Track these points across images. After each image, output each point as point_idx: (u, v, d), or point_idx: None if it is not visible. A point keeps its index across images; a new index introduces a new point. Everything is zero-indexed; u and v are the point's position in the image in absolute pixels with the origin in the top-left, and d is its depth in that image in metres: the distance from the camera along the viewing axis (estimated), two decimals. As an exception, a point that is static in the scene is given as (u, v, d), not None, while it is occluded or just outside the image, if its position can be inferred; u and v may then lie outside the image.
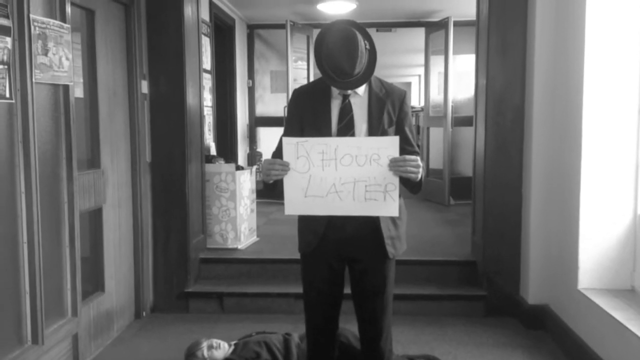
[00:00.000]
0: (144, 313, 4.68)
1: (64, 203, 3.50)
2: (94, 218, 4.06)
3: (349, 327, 3.77)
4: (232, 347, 3.65)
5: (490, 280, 4.72)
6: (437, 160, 8.38)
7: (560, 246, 4.17)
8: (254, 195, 5.86)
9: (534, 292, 4.44)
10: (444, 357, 3.76)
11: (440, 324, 4.49)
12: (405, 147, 2.52)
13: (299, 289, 4.94)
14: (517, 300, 4.61)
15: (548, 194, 4.33)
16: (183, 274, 4.80)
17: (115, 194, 4.24)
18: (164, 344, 4.14)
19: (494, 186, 4.68)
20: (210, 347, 3.62)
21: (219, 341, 3.67)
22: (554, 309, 4.27)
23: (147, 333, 4.39)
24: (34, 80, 3.08)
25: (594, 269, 3.80)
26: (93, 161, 3.99)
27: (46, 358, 3.29)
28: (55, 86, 3.36)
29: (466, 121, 7.63)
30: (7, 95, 2.93)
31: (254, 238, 5.79)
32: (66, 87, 3.43)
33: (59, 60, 3.32)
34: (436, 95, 8.34)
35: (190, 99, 4.76)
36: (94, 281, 4.10)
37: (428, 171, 8.77)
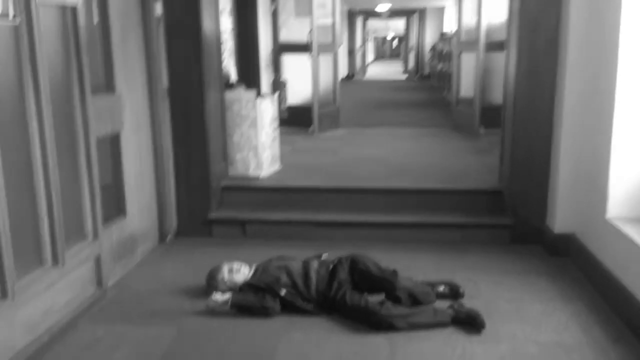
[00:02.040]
0: (168, 237, 4.73)
1: (79, 127, 3.48)
2: (113, 144, 4.05)
3: (368, 254, 3.75)
4: (253, 271, 3.67)
5: (516, 209, 4.62)
6: (467, 88, 8.13)
7: (590, 175, 4.02)
8: (276, 123, 5.77)
9: (560, 221, 4.33)
10: (464, 283, 3.72)
11: (463, 252, 4.44)
12: None
13: (320, 217, 4.97)
14: (542, 229, 4.51)
15: (580, 121, 4.14)
16: (205, 201, 4.81)
17: (132, 119, 4.20)
18: (187, 266, 4.19)
19: (524, 114, 4.50)
20: (230, 271, 3.64)
21: (240, 264, 3.68)
22: (579, 238, 4.16)
23: (171, 256, 4.45)
24: (37, 0, 2.99)
25: (624, 198, 3.67)
26: (108, 86, 3.93)
27: (68, 279, 3.36)
28: (63, 8, 3.27)
29: (499, 47, 7.32)
30: (11, 17, 2.85)
31: (277, 166, 5.75)
32: (74, 9, 3.34)
33: (67, -22, 3.21)
34: (469, 19, 8.00)
35: (207, 22, 4.62)
36: (115, 206, 4.13)
37: (458, 99, 8.54)
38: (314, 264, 3.62)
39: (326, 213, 4.83)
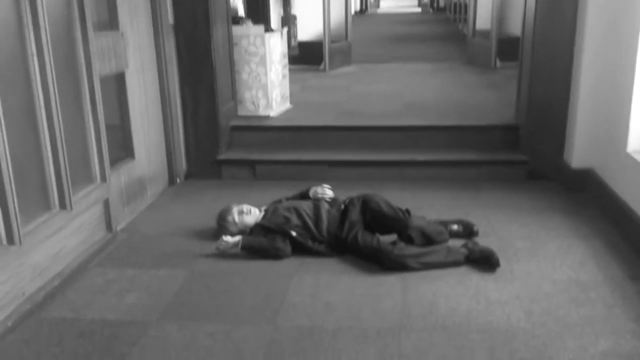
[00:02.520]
0: (178, 180, 4.68)
1: (82, 66, 3.37)
2: (117, 83, 3.94)
3: (381, 193, 3.67)
4: (263, 213, 3.62)
5: (532, 145, 4.49)
6: (484, 19, 7.84)
7: (611, 109, 3.86)
8: (286, 60, 5.62)
9: (578, 155, 4.20)
10: (479, 221, 3.65)
11: (478, 189, 4.35)
12: None
13: (332, 156, 4.88)
14: (560, 164, 4.39)
15: (602, 52, 3.95)
16: (214, 141, 4.73)
17: (137, 57, 4.07)
18: (198, 208, 4.16)
19: (543, 45, 4.32)
20: (240, 213, 3.58)
21: (249, 207, 3.63)
22: (598, 173, 4.05)
23: (181, 198, 4.41)
24: None
25: (646, 131, 3.54)
26: (111, 22, 3.79)
27: (76, 222, 3.32)
28: (60, -61, 3.11)
29: (517, -25, 7.01)
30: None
31: (287, 105, 5.63)
32: (72, -60, 3.18)
33: None
34: (485, -52, 7.65)
35: (212, -47, 4.42)
36: (122, 148, 4.06)
37: (474, 32, 8.26)
38: (325, 205, 3.56)
39: (338, 152, 4.73)
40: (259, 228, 3.50)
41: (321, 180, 4.55)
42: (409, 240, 3.34)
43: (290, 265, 3.27)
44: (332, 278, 3.11)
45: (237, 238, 3.37)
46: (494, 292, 2.91)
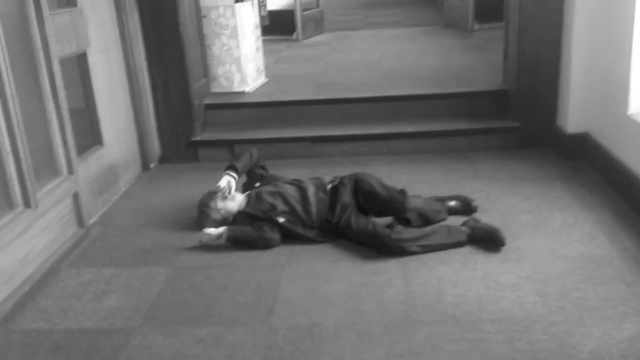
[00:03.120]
0: (152, 165, 4.39)
1: (38, 49, 3.04)
2: (79, 64, 3.61)
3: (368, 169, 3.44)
4: (246, 199, 3.34)
5: (523, 110, 4.28)
6: (460, -21, 7.56)
7: (608, 69, 3.66)
8: (259, 32, 5.30)
9: (573, 120, 4.01)
10: (476, 195, 3.45)
11: (471, 161, 4.14)
12: None
13: (314, 132, 4.62)
14: (553, 130, 4.20)
15: (597, 6, 3.73)
16: (188, 122, 4.42)
17: (99, 35, 3.73)
18: (175, 195, 3.88)
19: (531, 3, 4.07)
20: (223, 198, 3.31)
21: (233, 192, 3.35)
22: (595, 137, 3.86)
23: (157, 184, 4.12)
24: None
25: (646, 92, 3.35)
26: (67, -1, 3.45)
27: (44, 221, 3.03)
28: None
29: None
30: None
31: (263, 79, 5.33)
32: None
33: None
34: None
35: None
36: (90, 135, 3.75)
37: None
38: (310, 187, 3.30)
39: (321, 127, 4.47)
40: (243, 216, 3.24)
41: (304, 157, 4.34)
42: (406, 222, 3.13)
43: (281, 254, 3.04)
44: (327, 267, 2.88)
45: (221, 229, 3.11)
46: (502, 275, 2.71)
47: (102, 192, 3.72)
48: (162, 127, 4.44)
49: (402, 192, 3.21)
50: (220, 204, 3.29)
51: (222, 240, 3.09)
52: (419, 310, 2.48)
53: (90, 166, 3.59)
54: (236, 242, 3.10)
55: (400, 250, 2.93)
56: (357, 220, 3.08)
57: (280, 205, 3.18)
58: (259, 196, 3.28)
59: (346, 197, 3.19)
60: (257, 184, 3.47)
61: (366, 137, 4.36)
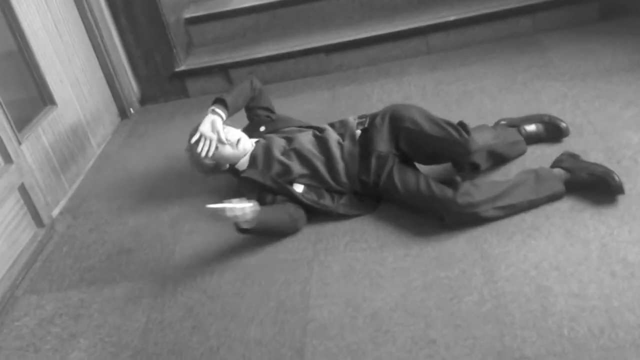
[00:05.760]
0: (131, 110, 3.49)
1: None
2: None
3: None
4: (252, 152, 2.41)
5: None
6: None
7: None
8: None
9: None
10: (557, 105, 2.52)
11: (540, 47, 3.13)
12: None
13: (328, 38, 3.57)
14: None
15: None
16: (165, 47, 3.44)
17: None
18: (163, 148, 3.05)
19: None
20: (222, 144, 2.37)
21: (234, 133, 2.39)
22: None
23: (139, 137, 3.25)
24: None
25: None
26: None
27: (-18, 234, 2.23)
28: None
29: None
30: None
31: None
32: None
33: None
34: None
35: None
36: (32, 95, 2.84)
37: None
38: (332, 134, 2.37)
39: (336, 30, 3.45)
40: (247, 184, 2.35)
41: (320, 74, 3.37)
42: (473, 168, 2.22)
43: (303, 241, 2.19)
44: (370, 258, 2.03)
45: (251, 208, 2.05)
46: (634, 247, 1.83)
47: (67, 166, 2.88)
48: (134, 60, 3.49)
49: (462, 126, 2.23)
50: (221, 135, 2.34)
51: (249, 224, 2.07)
52: (518, 333, 1.64)
53: (41, 138, 2.72)
54: (263, 231, 2.16)
55: (473, 218, 2.05)
56: (402, 178, 2.17)
57: (297, 168, 2.29)
58: (268, 152, 2.37)
59: (382, 143, 2.26)
60: (262, 128, 2.55)
61: (397, 35, 3.32)
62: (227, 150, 2.36)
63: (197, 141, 2.34)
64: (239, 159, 2.39)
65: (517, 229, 2.00)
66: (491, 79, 2.94)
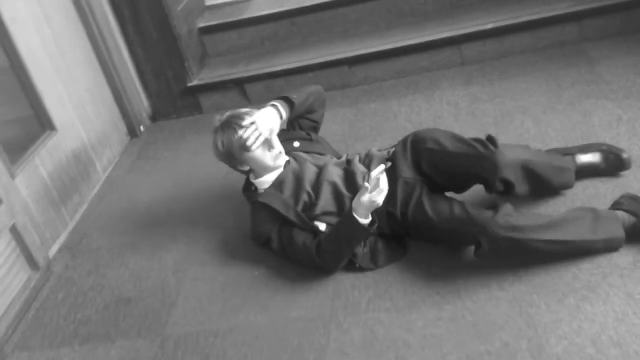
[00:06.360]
0: (142, 128, 3.26)
1: None
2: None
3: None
4: (278, 176, 2.09)
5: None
6: None
7: None
8: None
9: None
10: (612, 131, 2.20)
11: (588, 59, 2.80)
12: None
13: (352, 49, 3.26)
14: None
15: None
16: (177, 60, 3.20)
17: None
18: (175, 172, 2.83)
19: None
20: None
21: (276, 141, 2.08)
22: None
23: (149, 159, 3.03)
24: None
25: None
26: None
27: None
28: None
29: None
30: None
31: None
32: None
33: None
34: None
35: None
36: (29, 119, 2.63)
37: None
38: (357, 163, 2.09)
39: (360, 41, 3.18)
40: (266, 213, 2.04)
41: (343, 88, 3.09)
42: (507, 188, 1.88)
43: (320, 295, 1.92)
44: (396, 323, 1.76)
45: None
46: None
47: (68, 196, 2.66)
48: (144, 75, 3.26)
49: (490, 140, 1.90)
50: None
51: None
52: None
53: (39, 170, 2.51)
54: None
55: (516, 246, 1.74)
56: (434, 206, 1.88)
57: (323, 202, 2.01)
58: (298, 179, 2.08)
59: (407, 170, 1.99)
60: (297, 144, 2.23)
61: (428, 46, 3.02)
62: (266, 157, 2.06)
63: (245, 127, 2.01)
64: (266, 172, 2.09)
65: (570, 289, 1.71)
66: (534, 97, 2.62)
